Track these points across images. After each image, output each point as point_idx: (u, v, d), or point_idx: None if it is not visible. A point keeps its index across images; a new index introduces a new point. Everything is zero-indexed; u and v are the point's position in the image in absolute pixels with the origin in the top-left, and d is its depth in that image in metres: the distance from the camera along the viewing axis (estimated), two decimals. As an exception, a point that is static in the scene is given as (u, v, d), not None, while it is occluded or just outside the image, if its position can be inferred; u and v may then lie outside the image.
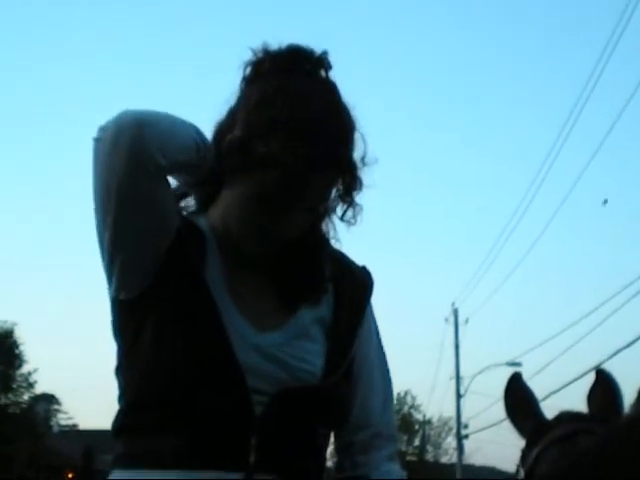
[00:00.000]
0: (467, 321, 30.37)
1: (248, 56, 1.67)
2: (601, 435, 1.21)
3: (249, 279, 1.70)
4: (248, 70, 1.67)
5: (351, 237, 1.75)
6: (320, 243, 1.74)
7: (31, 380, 38.32)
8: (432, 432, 50.72)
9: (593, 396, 1.50)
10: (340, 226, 1.73)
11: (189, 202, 1.77)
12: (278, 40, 1.67)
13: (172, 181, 1.62)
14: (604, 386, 1.49)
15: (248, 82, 1.66)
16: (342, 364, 1.70)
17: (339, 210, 1.70)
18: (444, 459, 49.31)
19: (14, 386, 37.64)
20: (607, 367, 1.59)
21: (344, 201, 1.68)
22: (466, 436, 31.01)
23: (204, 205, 1.74)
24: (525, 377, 1.58)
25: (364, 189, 1.67)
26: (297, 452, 1.64)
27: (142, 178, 1.50)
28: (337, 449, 1.82)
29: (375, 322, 1.84)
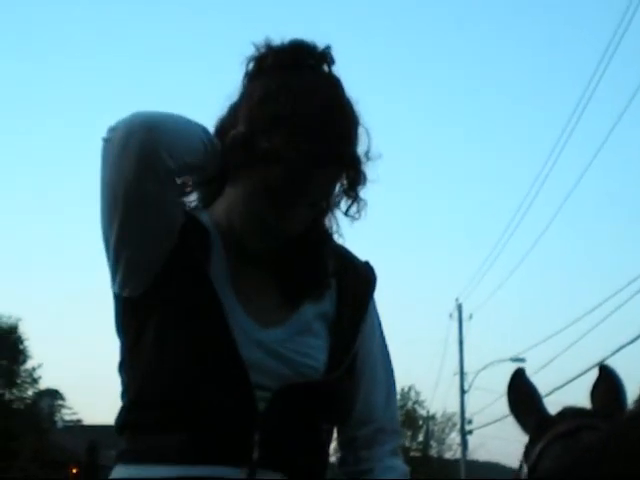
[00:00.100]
0: (471, 317, 30.36)
1: (250, 51, 1.67)
2: (604, 431, 1.21)
3: (252, 275, 1.70)
4: (251, 65, 1.67)
5: (355, 232, 1.75)
6: (323, 238, 1.74)
7: (35, 375, 38.36)
8: (436, 428, 50.67)
9: (596, 392, 1.50)
10: (344, 221, 1.73)
11: (191, 197, 1.76)
12: (280, 36, 1.66)
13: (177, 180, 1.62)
14: (607, 382, 1.50)
15: (251, 77, 1.66)
16: (345, 359, 1.70)
17: (343, 205, 1.70)
18: (448, 455, 49.27)
19: (18, 381, 37.66)
20: (611, 363, 1.59)
21: (348, 196, 1.68)
22: (470, 432, 30.99)
23: (207, 201, 1.74)
24: (529, 373, 1.59)
25: (368, 184, 1.67)
26: (300, 448, 1.64)
27: (151, 181, 1.49)
28: (340, 444, 1.82)
29: (378, 317, 1.84)
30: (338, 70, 1.67)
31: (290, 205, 1.59)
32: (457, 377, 30.90)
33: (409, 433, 48.24)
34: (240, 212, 1.64)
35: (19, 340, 37.08)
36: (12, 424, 33.59)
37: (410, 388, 48.80)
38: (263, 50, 1.66)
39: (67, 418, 47.19)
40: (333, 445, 1.80)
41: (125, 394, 1.66)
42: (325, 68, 1.66)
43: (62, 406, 46.05)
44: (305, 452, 1.65)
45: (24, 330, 37.56)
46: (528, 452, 1.43)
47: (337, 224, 1.74)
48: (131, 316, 1.63)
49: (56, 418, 45.83)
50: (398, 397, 1.97)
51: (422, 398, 49.38)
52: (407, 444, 46.85)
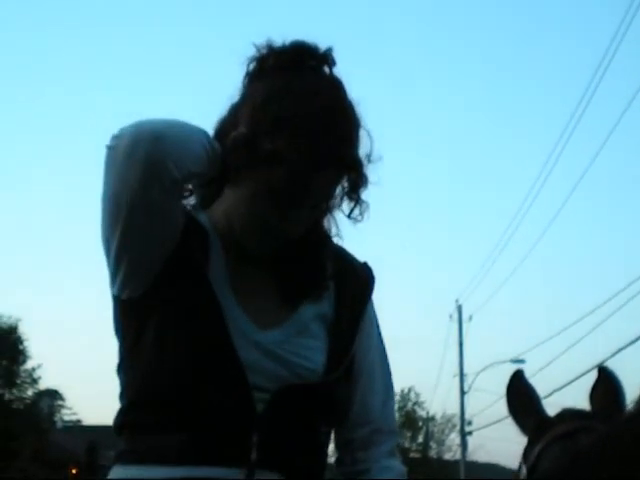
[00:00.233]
0: (471, 318, 30.35)
1: (251, 52, 1.67)
2: (601, 432, 1.21)
3: (252, 276, 1.70)
4: (252, 66, 1.67)
5: (355, 233, 1.75)
6: (322, 240, 1.74)
7: (35, 376, 38.36)
8: (435, 429, 50.65)
9: (595, 393, 1.50)
10: (345, 223, 1.73)
11: (190, 198, 1.76)
12: (282, 37, 1.66)
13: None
14: (606, 384, 1.50)
15: (252, 78, 1.66)
16: (343, 361, 1.70)
17: (345, 207, 1.70)
18: (447, 456, 49.25)
19: (18, 382, 37.66)
20: (610, 365, 1.60)
21: (350, 198, 1.68)
22: (470, 433, 30.99)
23: (206, 202, 1.74)
24: (529, 374, 1.58)
25: (370, 186, 1.67)
26: (299, 449, 1.64)
27: (156, 191, 1.49)
28: (337, 445, 1.82)
29: (376, 318, 1.84)
30: (339, 71, 1.67)
31: (292, 207, 1.59)
32: (457, 378, 30.91)
33: (409, 434, 48.25)
34: (241, 213, 1.64)
35: (19, 340, 37.09)
36: (12, 424, 33.59)
37: (410, 389, 48.83)
38: (264, 51, 1.66)
39: (67, 418, 47.20)
40: (331, 446, 1.80)
41: (124, 395, 1.67)
42: (326, 69, 1.66)
43: (62, 406, 46.06)
44: (303, 453, 1.65)
45: (24, 330, 37.59)
46: (527, 453, 1.43)
47: (337, 226, 1.74)
48: (130, 317, 1.63)
49: (56, 418, 45.82)
50: (398, 398, 1.98)
51: (422, 399, 49.40)
52: (407, 445, 46.89)
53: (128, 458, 1.63)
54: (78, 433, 43.96)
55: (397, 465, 1.81)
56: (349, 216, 1.70)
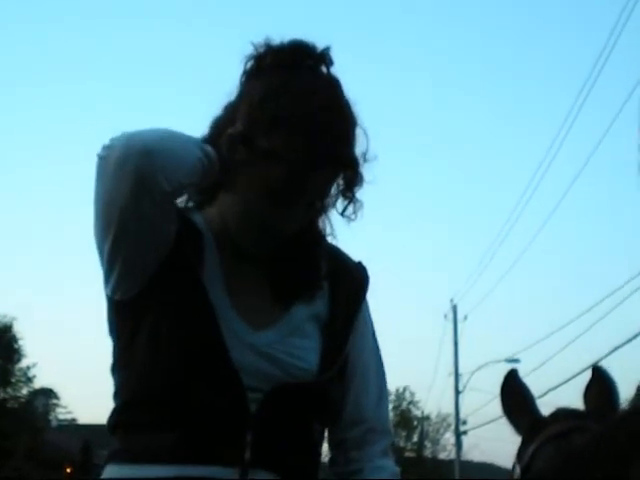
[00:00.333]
0: (466, 318, 30.35)
1: (249, 51, 1.67)
2: (595, 432, 1.21)
3: (246, 276, 1.70)
4: (249, 65, 1.66)
5: (350, 233, 1.76)
6: (317, 239, 1.74)
7: (30, 374, 38.26)
8: (430, 428, 50.65)
9: (589, 393, 1.50)
10: (339, 222, 1.73)
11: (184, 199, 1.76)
12: (279, 36, 1.66)
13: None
14: (600, 383, 1.50)
15: (249, 77, 1.66)
16: (337, 360, 1.70)
17: (340, 206, 1.70)
18: (442, 455, 49.25)
19: (13, 380, 37.56)
20: (604, 364, 1.60)
21: (345, 197, 1.68)
22: (464, 432, 31.00)
23: (201, 203, 1.74)
24: (523, 374, 1.59)
25: (365, 185, 1.68)
26: (292, 448, 1.64)
27: (146, 204, 1.49)
28: (331, 445, 1.82)
29: (370, 318, 1.84)
30: (336, 71, 1.67)
31: (288, 205, 1.59)
32: (452, 378, 30.91)
33: (404, 433, 48.26)
34: (236, 212, 1.64)
35: (14, 339, 36.99)
36: (6, 423, 33.52)
37: (405, 389, 48.81)
38: (262, 49, 1.66)
39: (61, 417, 47.17)
40: (325, 446, 1.80)
41: (118, 395, 1.67)
42: (324, 69, 1.66)
43: (56, 405, 46.02)
44: (297, 452, 1.65)
45: (19, 329, 37.50)
46: (521, 453, 1.43)
47: (331, 225, 1.75)
48: (124, 318, 1.63)
49: (50, 417, 45.77)
50: (393, 398, 1.98)
51: (417, 399, 49.39)
52: (402, 444, 46.86)
53: (121, 457, 1.63)
54: (73, 432, 43.89)
55: (390, 465, 1.81)
56: (343, 214, 1.70)
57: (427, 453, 49.97)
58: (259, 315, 1.67)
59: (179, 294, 1.60)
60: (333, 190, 1.67)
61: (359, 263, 1.83)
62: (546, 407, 1.51)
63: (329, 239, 1.77)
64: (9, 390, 37.44)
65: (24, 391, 38.67)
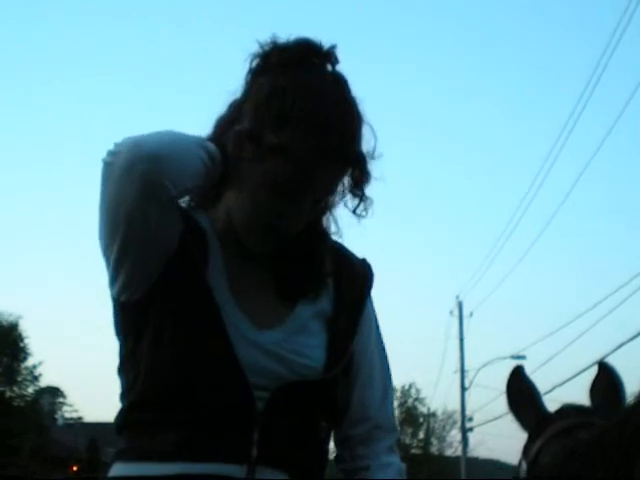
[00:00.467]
0: (472, 314, 30.38)
1: (254, 48, 1.66)
2: (598, 427, 1.21)
3: (250, 275, 1.70)
4: (255, 63, 1.66)
5: (356, 229, 1.76)
6: (321, 237, 1.74)
7: (36, 373, 38.35)
8: (436, 425, 50.68)
9: (595, 389, 1.50)
10: (348, 219, 1.73)
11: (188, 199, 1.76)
12: (283, 35, 1.66)
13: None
14: (606, 379, 1.50)
15: (255, 75, 1.66)
16: (342, 358, 1.70)
17: (349, 203, 1.70)
18: (448, 452, 49.30)
19: (19, 379, 37.64)
20: (611, 360, 1.59)
21: (354, 194, 1.68)
22: (470, 429, 31.01)
23: (206, 202, 1.74)
24: (529, 370, 1.59)
25: (373, 182, 1.68)
26: (299, 445, 1.64)
27: (153, 208, 1.50)
28: (337, 442, 1.82)
29: (375, 315, 1.84)
30: (343, 69, 1.67)
31: (294, 200, 1.59)
32: (458, 374, 30.92)
33: (410, 430, 48.30)
34: (242, 210, 1.64)
35: (20, 338, 37.06)
36: (13, 422, 33.57)
37: (411, 385, 48.85)
38: (268, 48, 1.66)
39: (68, 415, 47.26)
40: (332, 443, 1.81)
41: (124, 395, 1.67)
42: (330, 67, 1.66)
43: (63, 403, 46.15)
44: (304, 450, 1.65)
45: (25, 328, 37.62)
46: (527, 449, 1.43)
47: (337, 223, 1.75)
48: (130, 319, 1.63)
49: (57, 415, 45.88)
50: (399, 394, 1.98)
51: (423, 395, 49.47)
52: (408, 441, 46.92)
53: (128, 456, 1.63)
54: (79, 430, 43.98)
55: (397, 461, 1.81)
56: (354, 212, 1.70)
57: (433, 450, 50.00)
58: (264, 314, 1.67)
59: (184, 295, 1.60)
60: (339, 188, 1.67)
61: (364, 260, 1.84)
62: (552, 403, 1.51)
63: (335, 237, 1.77)
64: (15, 389, 37.51)
65: (30, 390, 38.78)
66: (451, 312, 31.32)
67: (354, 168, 1.64)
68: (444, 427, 50.28)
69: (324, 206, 1.70)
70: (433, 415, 50.03)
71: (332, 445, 1.81)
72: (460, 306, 30.67)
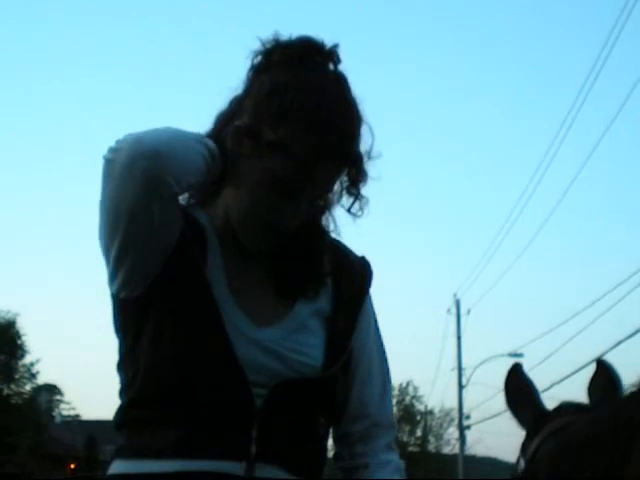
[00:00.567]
0: (469, 312, 30.38)
1: (257, 46, 1.67)
2: (590, 419, 1.21)
3: (249, 273, 1.70)
4: (257, 60, 1.67)
5: (354, 228, 1.76)
6: (319, 236, 1.74)
7: (33, 371, 38.25)
8: (434, 423, 50.67)
9: (594, 387, 1.50)
10: (343, 218, 1.74)
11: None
12: (285, 34, 1.67)
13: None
14: (605, 377, 1.49)
15: (257, 71, 1.66)
16: (341, 356, 1.71)
17: (345, 202, 1.70)
18: (446, 450, 49.28)
19: (16, 377, 37.55)
20: (609, 358, 1.59)
21: (350, 193, 1.68)
22: (468, 427, 31.04)
23: (206, 200, 1.74)
24: (527, 368, 1.58)
25: (369, 182, 1.68)
26: (298, 442, 1.65)
27: (155, 205, 1.50)
28: (336, 440, 1.82)
29: (374, 312, 1.85)
30: (344, 68, 1.68)
31: (292, 198, 1.60)
32: (455, 372, 30.94)
33: (407, 428, 48.30)
34: (240, 207, 1.64)
35: (17, 335, 36.98)
36: (10, 419, 33.51)
37: (408, 383, 48.83)
38: (270, 45, 1.66)
39: (65, 413, 47.20)
40: (330, 441, 1.81)
41: (124, 392, 1.67)
42: (331, 66, 1.66)
43: (60, 401, 46.06)
44: (302, 446, 1.66)
45: (22, 325, 37.52)
46: (525, 447, 1.43)
47: (335, 222, 1.75)
48: (129, 316, 1.64)
49: (54, 413, 45.82)
50: (396, 392, 1.98)
51: (420, 393, 49.45)
52: (405, 439, 46.93)
53: (127, 453, 1.64)
54: (77, 428, 43.91)
55: (395, 459, 1.82)
56: (349, 211, 1.70)
57: (431, 448, 49.99)
58: (263, 312, 1.68)
59: (183, 292, 1.61)
60: (337, 187, 1.67)
61: (362, 258, 1.84)
62: (550, 401, 1.51)
63: (333, 235, 1.77)
64: (13, 386, 37.44)
65: (28, 387, 38.70)
66: (449, 310, 31.35)
67: (352, 167, 1.64)
68: (441, 425, 50.31)
69: (322, 204, 1.70)
70: (430, 413, 50.07)
71: (330, 442, 1.82)
72: (458, 304, 30.68)
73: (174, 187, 1.49)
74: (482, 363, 29.90)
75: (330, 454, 1.79)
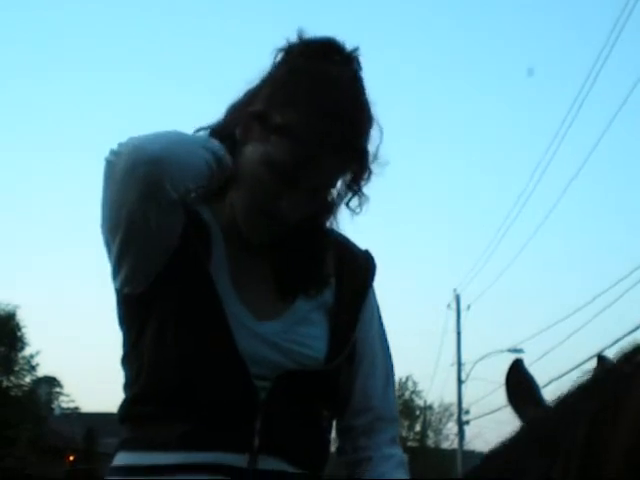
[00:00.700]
0: (469, 307, 30.43)
1: (281, 43, 1.69)
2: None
3: (253, 267, 1.71)
4: (279, 56, 1.68)
5: (355, 222, 1.76)
6: (322, 231, 1.75)
7: (33, 363, 38.24)
8: (433, 418, 50.74)
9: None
10: (344, 214, 1.74)
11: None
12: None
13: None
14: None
15: (277, 65, 1.68)
16: (345, 348, 1.71)
17: (346, 198, 1.70)
18: (445, 445, 49.32)
19: (16, 369, 37.56)
20: (609, 354, 1.59)
21: (351, 189, 1.68)
22: (467, 422, 31.13)
23: (211, 196, 1.74)
24: (527, 364, 1.59)
25: (372, 181, 1.68)
26: (301, 435, 1.66)
27: (154, 210, 1.51)
28: (339, 433, 1.83)
29: (377, 306, 1.86)
30: (363, 73, 1.69)
31: (293, 185, 1.59)
32: (455, 367, 31.01)
33: (406, 423, 48.35)
34: (241, 196, 1.64)
35: (17, 327, 36.98)
36: (9, 412, 33.53)
37: (408, 378, 48.91)
38: (293, 42, 1.68)
39: (65, 405, 47.20)
40: (333, 434, 1.81)
41: (128, 386, 1.68)
42: (350, 66, 1.67)
43: (60, 393, 46.07)
44: (305, 439, 1.67)
45: (22, 317, 37.50)
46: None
47: (336, 223, 1.75)
48: (133, 311, 1.65)
49: (54, 405, 45.84)
50: (395, 387, 1.97)
51: (419, 388, 49.52)
52: (404, 434, 46.95)
53: (132, 445, 1.65)
54: (76, 420, 43.95)
55: (399, 453, 1.82)
56: (348, 206, 1.70)
57: (430, 443, 50.06)
58: (265, 305, 1.68)
59: (187, 287, 1.61)
60: (340, 184, 1.67)
61: (366, 251, 1.85)
62: (550, 397, 1.51)
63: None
64: (12, 378, 37.45)
65: (27, 379, 38.70)
66: (449, 305, 31.40)
67: (357, 163, 1.64)
68: (441, 420, 50.38)
69: (324, 200, 1.69)
70: (430, 408, 50.14)
71: (333, 436, 1.82)
72: (458, 299, 30.73)
73: (172, 193, 1.49)
74: (482, 358, 29.97)
75: (333, 448, 1.80)
